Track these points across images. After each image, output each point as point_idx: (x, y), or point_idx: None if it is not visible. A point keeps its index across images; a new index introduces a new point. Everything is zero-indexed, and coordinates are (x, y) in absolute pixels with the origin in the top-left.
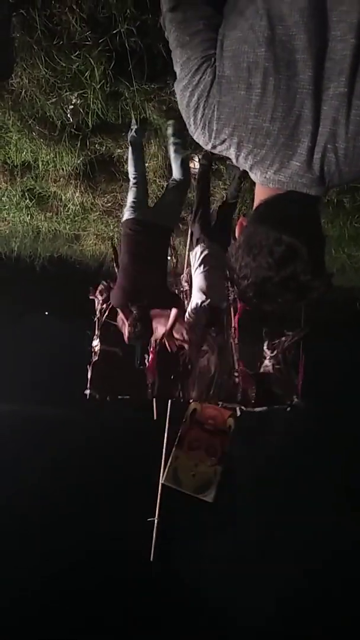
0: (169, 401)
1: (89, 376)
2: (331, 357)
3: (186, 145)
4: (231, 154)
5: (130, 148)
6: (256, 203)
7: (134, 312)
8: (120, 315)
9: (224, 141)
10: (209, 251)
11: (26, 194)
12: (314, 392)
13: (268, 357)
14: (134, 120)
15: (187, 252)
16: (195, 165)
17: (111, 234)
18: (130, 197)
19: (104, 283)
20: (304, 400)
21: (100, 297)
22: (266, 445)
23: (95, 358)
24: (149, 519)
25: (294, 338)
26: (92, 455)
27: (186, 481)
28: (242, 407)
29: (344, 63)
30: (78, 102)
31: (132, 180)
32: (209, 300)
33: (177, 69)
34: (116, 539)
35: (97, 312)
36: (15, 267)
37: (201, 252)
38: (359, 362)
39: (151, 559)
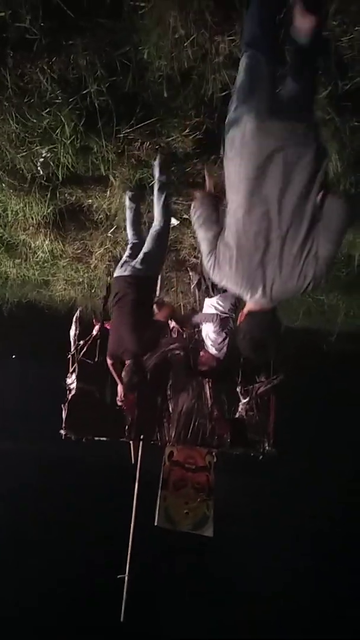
0: (140, 444)
1: (64, 415)
2: (299, 397)
3: (170, 185)
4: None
5: (127, 212)
6: (246, 309)
7: (129, 363)
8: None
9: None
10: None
11: None
12: (285, 435)
13: (241, 403)
14: (129, 190)
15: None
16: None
17: (81, 280)
18: (125, 254)
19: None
20: (276, 444)
21: (77, 331)
22: (241, 491)
23: (70, 396)
24: (118, 576)
25: (268, 385)
26: (59, 505)
27: (181, 520)
28: (218, 450)
29: (276, 244)
30: (48, 155)
31: (129, 241)
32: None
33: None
34: (85, 597)
35: (72, 348)
36: None
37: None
38: (326, 400)
39: (121, 619)
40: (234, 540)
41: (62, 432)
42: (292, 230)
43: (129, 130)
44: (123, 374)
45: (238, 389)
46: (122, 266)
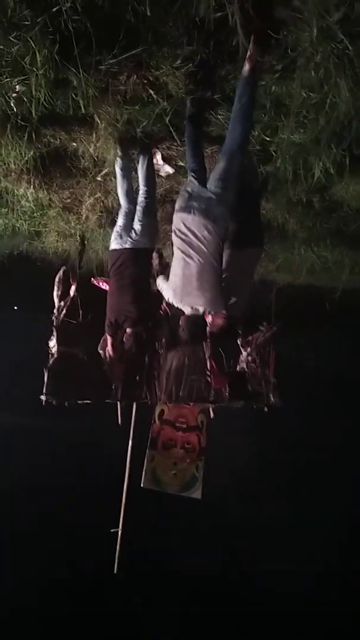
0: (134, 404)
1: (45, 380)
2: (301, 355)
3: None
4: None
5: (117, 174)
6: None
7: (130, 331)
8: (108, 341)
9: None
10: None
11: None
12: (286, 390)
13: (242, 355)
14: (119, 149)
15: None
16: (158, 160)
17: (72, 231)
18: (117, 222)
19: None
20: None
21: (59, 291)
22: (241, 444)
23: (52, 360)
24: (112, 530)
25: (266, 334)
26: (50, 467)
27: (168, 481)
28: (215, 405)
29: (200, 277)
30: (22, 89)
31: (122, 207)
32: None
33: None
34: (79, 551)
35: (55, 310)
36: None
37: None
38: (328, 361)
39: (115, 571)
40: (231, 496)
41: (43, 397)
42: (206, 271)
43: (112, 62)
44: (124, 340)
45: (239, 341)
46: (120, 237)
